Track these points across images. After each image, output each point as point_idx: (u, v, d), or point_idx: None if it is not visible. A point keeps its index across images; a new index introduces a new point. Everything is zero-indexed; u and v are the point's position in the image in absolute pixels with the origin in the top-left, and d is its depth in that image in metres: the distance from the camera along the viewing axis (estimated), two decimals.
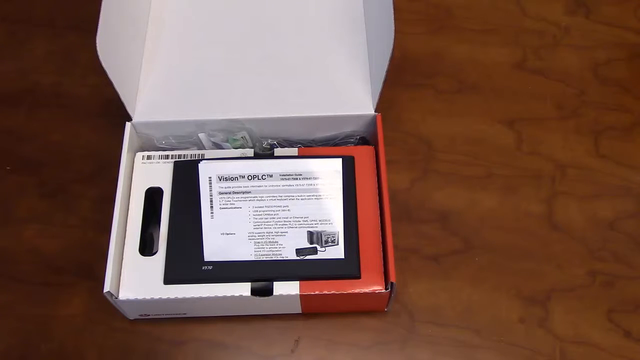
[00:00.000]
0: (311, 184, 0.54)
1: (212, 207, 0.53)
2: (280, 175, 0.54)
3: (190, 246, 0.52)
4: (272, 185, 0.54)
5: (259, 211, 0.53)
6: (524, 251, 0.58)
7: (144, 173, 0.55)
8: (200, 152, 0.57)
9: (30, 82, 0.67)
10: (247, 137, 0.58)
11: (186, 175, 0.54)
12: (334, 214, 0.53)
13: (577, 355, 0.54)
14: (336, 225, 0.53)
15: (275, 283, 0.51)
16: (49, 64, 0.68)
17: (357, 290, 0.51)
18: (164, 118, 0.57)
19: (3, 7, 0.72)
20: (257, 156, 0.57)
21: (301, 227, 0.53)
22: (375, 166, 0.55)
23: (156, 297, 0.50)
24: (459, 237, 0.59)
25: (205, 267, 0.51)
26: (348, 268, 0.51)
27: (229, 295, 0.50)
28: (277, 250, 0.52)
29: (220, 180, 0.54)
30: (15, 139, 0.64)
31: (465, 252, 0.58)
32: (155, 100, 0.58)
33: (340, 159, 0.55)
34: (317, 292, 0.51)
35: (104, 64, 0.49)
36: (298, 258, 0.52)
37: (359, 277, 0.51)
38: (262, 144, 0.58)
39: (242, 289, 0.51)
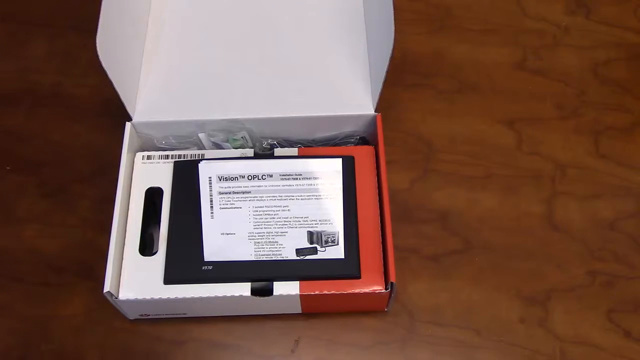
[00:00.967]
0: (311, 184, 0.54)
1: (212, 207, 0.53)
2: (280, 175, 0.54)
3: (190, 246, 0.52)
4: (272, 185, 0.54)
5: (259, 211, 0.53)
6: (524, 251, 0.58)
7: (144, 173, 0.55)
8: (200, 152, 0.57)
9: (30, 82, 0.67)
10: (247, 137, 0.58)
11: (186, 175, 0.54)
12: (334, 214, 0.53)
13: (577, 355, 0.54)
14: (336, 225, 0.53)
15: (275, 283, 0.51)
16: (49, 64, 0.68)
17: (357, 290, 0.51)
18: (164, 118, 0.57)
19: (3, 7, 0.72)
20: (257, 156, 0.57)
21: (301, 227, 0.53)
22: (375, 166, 0.55)
23: (156, 297, 0.50)
24: (459, 237, 0.59)
25: (205, 267, 0.51)
26: (348, 268, 0.51)
27: (229, 295, 0.50)
28: (277, 250, 0.52)
29: (220, 180, 0.54)
30: (15, 139, 0.64)
31: (465, 252, 0.58)
32: (155, 100, 0.58)
33: (340, 159, 0.55)
34: (317, 292, 0.51)
35: (104, 64, 0.49)
36: (298, 258, 0.52)
37: (359, 277, 0.51)
38: (262, 144, 0.58)
39: (242, 289, 0.51)
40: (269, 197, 0.53)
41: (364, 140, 0.59)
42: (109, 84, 0.51)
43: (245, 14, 0.63)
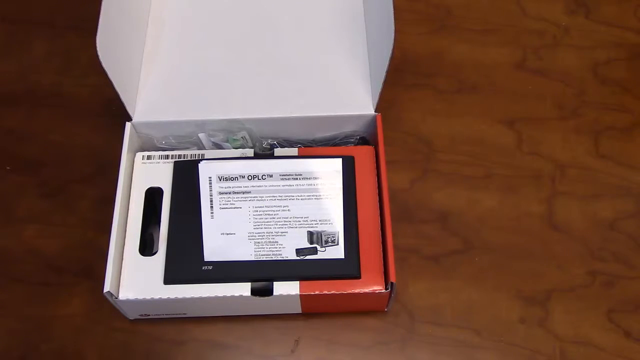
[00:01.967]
0: (311, 184, 0.54)
1: (212, 207, 0.53)
2: (280, 175, 0.54)
3: (190, 246, 0.52)
4: (272, 185, 0.54)
5: (259, 211, 0.53)
6: (524, 251, 0.58)
7: (144, 173, 0.55)
8: (200, 152, 0.57)
9: (30, 82, 0.67)
10: (247, 137, 0.58)
11: (186, 175, 0.54)
12: (334, 214, 0.53)
13: (577, 355, 0.54)
14: (336, 225, 0.53)
15: (275, 283, 0.51)
16: (49, 64, 0.68)
17: (357, 290, 0.51)
18: (164, 118, 0.57)
19: (3, 7, 0.72)
20: (257, 156, 0.57)
21: (301, 227, 0.53)
22: (375, 166, 0.55)
23: (156, 297, 0.50)
24: (459, 237, 0.59)
25: (205, 267, 0.51)
26: (348, 268, 0.51)
27: (229, 295, 0.50)
28: (277, 250, 0.52)
29: (220, 180, 0.54)
30: (15, 139, 0.64)
31: (465, 252, 0.58)
32: (155, 100, 0.58)
33: (340, 159, 0.55)
34: (317, 292, 0.51)
35: (104, 64, 0.49)
36: (298, 258, 0.52)
37: (359, 277, 0.51)
38: (262, 144, 0.58)
39: (242, 289, 0.51)
40: (269, 197, 0.53)
41: (364, 140, 0.59)
42: (109, 84, 0.51)
43: (245, 14, 0.63)
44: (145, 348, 0.54)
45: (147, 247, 0.54)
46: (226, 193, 0.54)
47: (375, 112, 0.56)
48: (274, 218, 0.53)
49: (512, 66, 0.68)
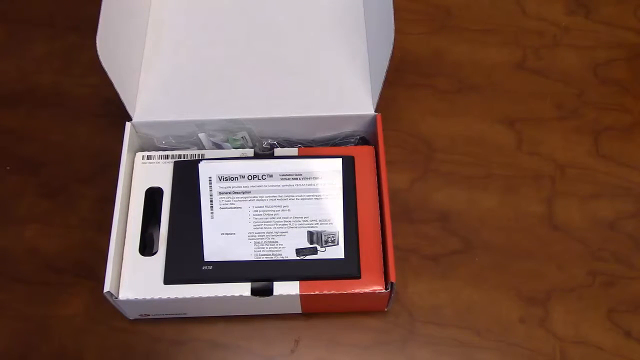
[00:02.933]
0: (311, 184, 0.54)
1: (212, 207, 0.53)
2: (280, 175, 0.54)
3: (190, 246, 0.52)
4: (272, 185, 0.54)
5: (259, 211, 0.53)
6: (524, 251, 0.58)
7: (144, 173, 0.55)
8: (200, 152, 0.57)
9: (30, 82, 0.67)
10: (247, 137, 0.58)
11: (186, 175, 0.54)
12: (334, 214, 0.53)
13: (577, 355, 0.54)
14: (336, 225, 0.53)
15: (275, 283, 0.51)
16: (49, 64, 0.68)
17: (357, 290, 0.51)
18: (164, 118, 0.57)
19: (3, 7, 0.72)
20: (257, 156, 0.57)
21: (301, 227, 0.53)
22: (375, 166, 0.55)
23: (156, 297, 0.50)
24: (459, 237, 0.59)
25: (205, 267, 0.51)
26: (348, 268, 0.51)
27: (229, 295, 0.50)
28: (277, 250, 0.52)
29: (220, 180, 0.54)
30: (15, 139, 0.64)
31: (465, 252, 0.58)
32: (155, 100, 0.58)
33: (340, 159, 0.55)
34: (317, 292, 0.51)
35: (104, 64, 0.49)
36: (298, 258, 0.52)
37: (359, 277, 0.51)
38: (262, 144, 0.58)
39: (242, 289, 0.51)
40: (269, 197, 0.53)
41: (364, 140, 0.59)
42: (109, 84, 0.51)
43: (245, 14, 0.63)
44: (145, 348, 0.54)
45: (147, 247, 0.54)
46: (226, 193, 0.54)
47: (375, 112, 0.56)
48: (274, 218, 0.53)
49: (512, 66, 0.68)
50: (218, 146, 0.59)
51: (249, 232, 0.52)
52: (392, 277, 0.50)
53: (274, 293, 0.50)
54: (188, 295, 0.50)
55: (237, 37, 0.61)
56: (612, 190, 0.61)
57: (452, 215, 0.60)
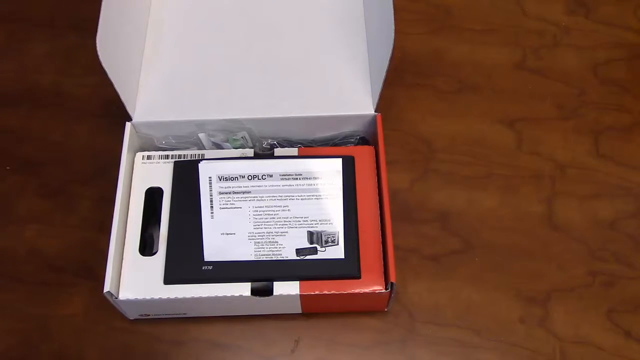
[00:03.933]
0: (311, 184, 0.54)
1: (212, 207, 0.53)
2: (280, 175, 0.54)
3: (190, 246, 0.52)
4: (272, 185, 0.54)
5: (259, 211, 0.53)
6: (524, 251, 0.58)
7: (144, 173, 0.55)
8: (200, 152, 0.57)
9: (30, 82, 0.67)
10: (247, 137, 0.58)
11: (186, 175, 0.54)
12: (334, 214, 0.53)
13: (577, 355, 0.54)
14: (336, 225, 0.53)
15: (275, 283, 0.51)
16: (49, 64, 0.68)
17: (357, 290, 0.51)
18: (164, 118, 0.57)
19: (3, 7, 0.72)
20: (257, 156, 0.57)
21: (301, 227, 0.53)
22: (375, 166, 0.55)
23: (156, 297, 0.50)
24: (459, 237, 0.59)
25: (205, 267, 0.51)
26: (348, 268, 0.51)
27: (229, 295, 0.50)
28: (277, 250, 0.52)
29: (220, 180, 0.54)
30: (15, 139, 0.64)
31: (465, 252, 0.58)
32: (155, 100, 0.58)
33: (340, 159, 0.55)
34: (317, 292, 0.51)
35: (104, 64, 0.49)
36: (298, 258, 0.52)
37: (359, 277, 0.51)
38: (262, 144, 0.58)
39: (242, 289, 0.51)
40: (269, 197, 0.53)
41: (364, 140, 0.59)
42: (109, 84, 0.51)
43: (245, 14, 0.63)
44: (145, 348, 0.54)
45: (147, 247, 0.54)
46: (226, 193, 0.54)
47: (375, 112, 0.56)
48: (274, 218, 0.53)
49: (512, 66, 0.68)
50: (218, 146, 0.59)
51: (249, 232, 0.52)
52: (392, 277, 0.50)
53: (274, 293, 0.50)
54: (188, 295, 0.50)
55: (237, 37, 0.61)
56: (612, 190, 0.61)
57: (452, 215, 0.60)
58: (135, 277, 0.51)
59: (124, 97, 0.54)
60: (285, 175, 0.54)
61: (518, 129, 0.64)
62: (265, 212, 0.53)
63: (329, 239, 0.52)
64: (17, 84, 0.67)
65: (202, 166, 0.54)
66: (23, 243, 0.59)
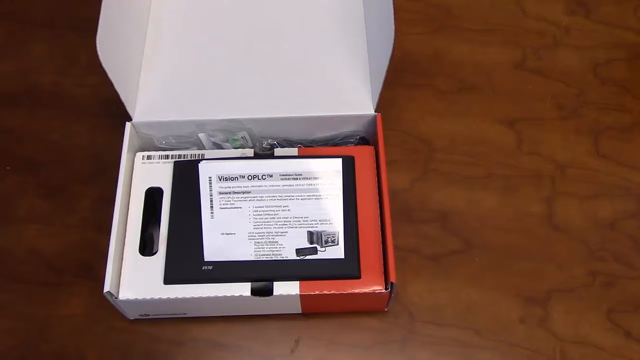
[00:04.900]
0: (311, 184, 0.54)
1: (212, 207, 0.53)
2: (280, 175, 0.54)
3: (190, 246, 0.52)
4: (272, 185, 0.54)
5: (259, 211, 0.53)
6: (524, 251, 0.58)
7: (144, 173, 0.55)
8: (200, 152, 0.57)
9: (30, 82, 0.67)
10: (247, 137, 0.58)
11: (186, 175, 0.54)
12: (334, 214, 0.53)
13: (577, 355, 0.54)
14: (336, 225, 0.53)
15: (275, 283, 0.51)
16: (49, 64, 0.68)
17: (357, 290, 0.51)
18: (164, 118, 0.57)
19: (3, 7, 0.72)
20: (257, 156, 0.57)
21: (301, 227, 0.53)
22: (375, 166, 0.55)
23: (156, 297, 0.50)
24: (459, 237, 0.59)
25: (205, 267, 0.51)
26: (348, 268, 0.51)
27: (229, 295, 0.50)
28: (277, 250, 0.52)
29: (220, 180, 0.54)
30: (15, 139, 0.64)
31: (465, 252, 0.58)
32: (155, 100, 0.58)
33: (340, 159, 0.55)
34: (317, 292, 0.51)
35: (104, 64, 0.49)
36: (298, 258, 0.52)
37: (359, 277, 0.51)
38: (262, 144, 0.58)
39: (242, 289, 0.51)
40: (269, 197, 0.53)
41: (364, 140, 0.59)
42: (109, 84, 0.51)
43: (245, 14, 0.63)
44: (145, 348, 0.54)
45: (147, 247, 0.54)
46: (226, 193, 0.54)
47: (375, 112, 0.56)
48: (274, 218, 0.53)
49: (512, 66, 0.68)
50: (218, 146, 0.59)
51: (249, 232, 0.52)
52: (392, 277, 0.50)
53: (274, 293, 0.50)
54: (188, 295, 0.50)
55: (237, 37, 0.61)
56: (612, 190, 0.61)
57: (452, 215, 0.60)
58: (135, 277, 0.51)
59: (124, 97, 0.54)
60: (285, 175, 0.54)
61: (518, 129, 0.64)
62: (265, 212, 0.53)
63: (329, 239, 0.52)
64: (17, 84, 0.67)
65: (202, 166, 0.54)
66: (23, 243, 0.59)
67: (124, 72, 0.55)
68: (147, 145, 0.59)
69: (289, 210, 0.53)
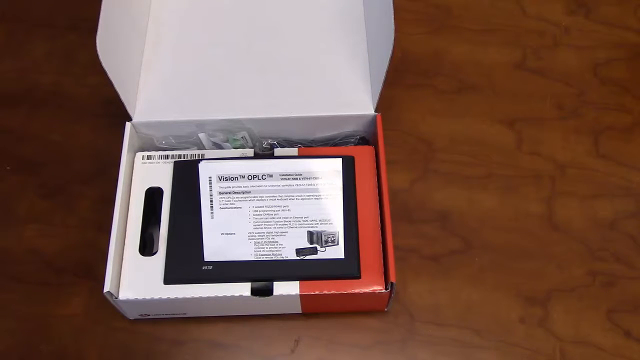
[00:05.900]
0: (311, 184, 0.54)
1: (212, 207, 0.53)
2: (280, 175, 0.54)
3: (190, 246, 0.52)
4: (272, 185, 0.54)
5: (259, 211, 0.53)
6: (524, 251, 0.58)
7: (144, 173, 0.55)
8: (200, 152, 0.57)
9: (30, 82, 0.67)
10: (247, 137, 0.58)
11: (186, 175, 0.54)
12: (334, 214, 0.53)
13: (577, 355, 0.54)
14: (336, 225, 0.53)
15: (275, 283, 0.51)
16: (48, 64, 0.68)
17: (357, 290, 0.51)
18: (164, 118, 0.57)
19: (3, 7, 0.72)
20: (257, 156, 0.57)
21: (301, 227, 0.53)
22: (375, 166, 0.55)
23: (156, 297, 0.50)
24: (459, 237, 0.59)
25: (205, 267, 0.51)
26: (348, 268, 0.51)
27: (229, 295, 0.50)
28: (277, 250, 0.52)
29: (220, 180, 0.54)
30: (15, 139, 0.64)
31: (465, 252, 0.58)
32: (155, 100, 0.58)
33: (340, 159, 0.55)
34: (317, 292, 0.51)
35: (104, 64, 0.49)
36: (298, 258, 0.52)
37: (359, 277, 0.51)
38: (262, 144, 0.58)
39: (242, 289, 0.51)
40: (269, 197, 0.53)
41: (364, 140, 0.59)
42: (109, 84, 0.51)
43: (245, 14, 0.63)
44: (145, 348, 0.54)
45: (147, 247, 0.54)
46: (226, 193, 0.54)
47: (375, 112, 0.56)
48: (274, 218, 0.53)
49: (512, 66, 0.68)
50: (218, 146, 0.59)
51: (249, 232, 0.52)
52: (392, 277, 0.50)
53: (274, 293, 0.50)
54: (188, 295, 0.50)
55: (237, 37, 0.61)
56: (612, 190, 0.61)
57: (452, 215, 0.60)
58: (135, 277, 0.51)
59: (124, 97, 0.54)
60: (285, 175, 0.54)
61: (518, 129, 0.64)
62: (265, 212, 0.53)
63: (329, 239, 0.52)
64: (17, 84, 0.67)
65: (202, 166, 0.54)
66: (23, 243, 0.59)
67: (124, 72, 0.55)
68: (147, 145, 0.59)
69: (289, 210, 0.53)
